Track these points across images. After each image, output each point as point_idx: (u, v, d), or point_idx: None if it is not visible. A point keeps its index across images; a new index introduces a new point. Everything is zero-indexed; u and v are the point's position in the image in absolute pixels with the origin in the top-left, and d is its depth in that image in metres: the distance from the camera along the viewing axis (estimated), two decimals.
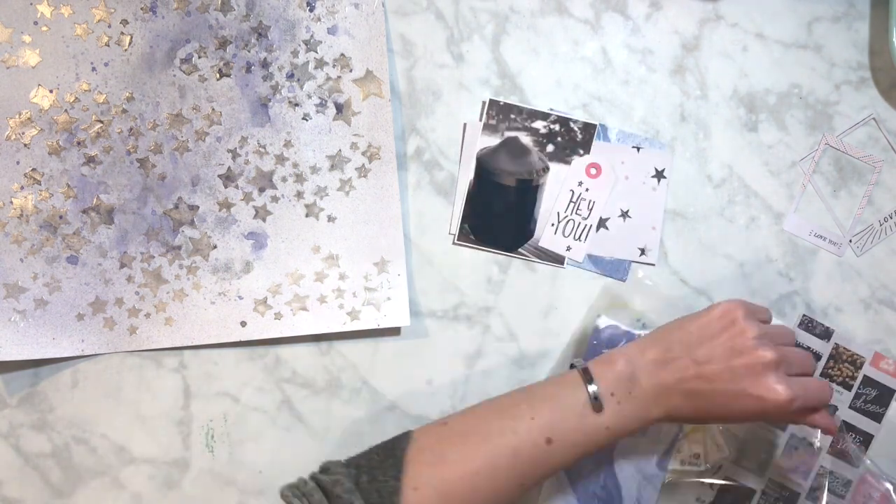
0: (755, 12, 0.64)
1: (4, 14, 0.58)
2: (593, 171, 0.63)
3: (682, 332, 0.53)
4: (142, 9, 0.59)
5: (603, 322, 0.61)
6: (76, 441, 0.61)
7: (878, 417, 0.63)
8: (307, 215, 0.61)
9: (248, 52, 0.60)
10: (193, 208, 0.60)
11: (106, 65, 0.59)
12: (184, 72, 0.59)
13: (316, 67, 0.60)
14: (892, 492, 0.61)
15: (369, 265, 0.61)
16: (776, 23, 0.64)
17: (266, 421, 0.62)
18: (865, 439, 0.63)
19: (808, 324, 0.63)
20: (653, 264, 0.63)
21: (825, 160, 0.65)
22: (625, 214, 0.63)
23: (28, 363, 0.60)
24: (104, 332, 0.60)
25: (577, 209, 0.63)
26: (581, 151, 0.63)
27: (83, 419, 0.61)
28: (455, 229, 0.63)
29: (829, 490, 0.62)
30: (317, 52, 0.60)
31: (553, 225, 0.63)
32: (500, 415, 0.53)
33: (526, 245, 0.63)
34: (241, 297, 0.60)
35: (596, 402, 0.51)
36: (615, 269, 0.63)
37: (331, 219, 0.61)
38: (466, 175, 0.63)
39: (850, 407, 0.63)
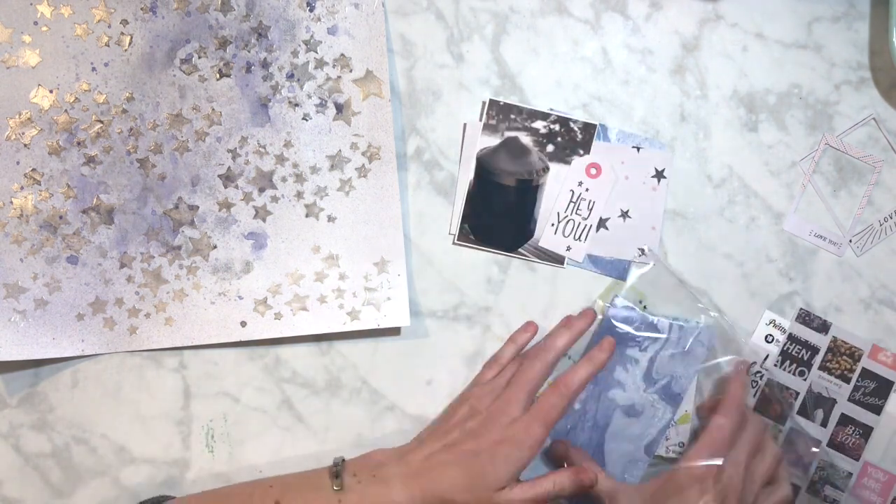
0: (755, 12, 0.64)
1: (4, 14, 0.58)
2: (593, 171, 0.63)
3: (436, 430, 0.57)
4: (142, 9, 0.59)
5: (620, 302, 0.62)
6: (76, 441, 0.61)
7: (877, 410, 0.63)
8: (307, 215, 0.61)
9: (248, 52, 0.60)
10: (193, 208, 0.60)
11: (106, 65, 0.59)
12: (184, 72, 0.59)
13: (316, 67, 0.60)
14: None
15: (369, 265, 0.61)
16: (776, 23, 0.64)
17: (266, 421, 0.62)
18: (865, 431, 0.63)
19: (805, 317, 0.63)
20: (653, 264, 0.63)
21: (825, 160, 0.65)
22: (625, 214, 0.63)
23: (28, 363, 0.60)
24: (104, 332, 0.60)
25: (577, 209, 0.63)
26: (581, 151, 0.63)
27: (83, 419, 0.61)
28: (455, 229, 0.63)
29: (829, 482, 0.63)
30: (317, 52, 0.60)
31: (553, 225, 0.63)
32: (250, 485, 0.57)
33: (526, 245, 0.63)
34: (241, 297, 0.60)
35: (337, 480, 0.53)
36: (615, 269, 0.63)
37: (331, 219, 0.61)
38: (466, 175, 0.63)
39: (850, 399, 0.63)
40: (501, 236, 0.63)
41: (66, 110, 0.59)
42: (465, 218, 0.63)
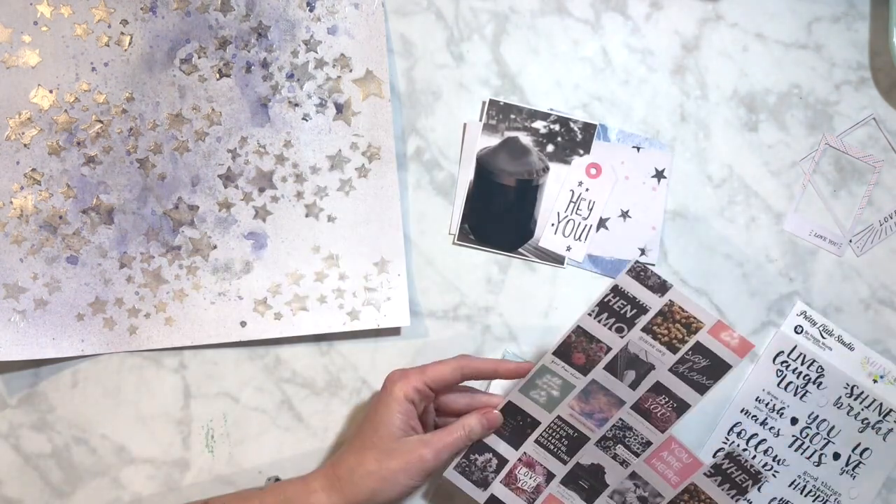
0: (755, 12, 0.64)
1: (4, 14, 0.58)
2: (593, 171, 0.63)
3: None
4: (142, 9, 0.59)
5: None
6: (76, 441, 0.61)
7: (702, 389, 0.57)
8: (307, 215, 0.61)
9: (248, 52, 0.60)
10: (193, 208, 0.60)
11: (106, 65, 0.59)
12: (184, 72, 0.59)
13: (316, 67, 0.60)
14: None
15: (369, 265, 0.61)
16: (776, 23, 0.64)
17: (266, 421, 0.62)
18: (680, 406, 0.57)
19: (640, 273, 0.56)
20: (653, 264, 0.63)
21: (825, 160, 0.65)
22: (625, 214, 0.63)
23: (28, 363, 0.60)
24: (104, 332, 0.60)
25: (577, 209, 0.63)
26: (581, 151, 0.63)
27: (83, 419, 0.61)
28: (455, 229, 0.63)
29: (623, 444, 0.58)
30: (317, 52, 0.60)
31: (553, 225, 0.63)
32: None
33: (526, 245, 0.63)
34: (240, 297, 0.60)
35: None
36: (615, 269, 0.63)
37: (331, 219, 0.61)
38: (466, 175, 0.63)
39: (672, 371, 0.56)
40: (501, 236, 0.63)
41: (65, 110, 0.59)
42: (465, 218, 0.63)
